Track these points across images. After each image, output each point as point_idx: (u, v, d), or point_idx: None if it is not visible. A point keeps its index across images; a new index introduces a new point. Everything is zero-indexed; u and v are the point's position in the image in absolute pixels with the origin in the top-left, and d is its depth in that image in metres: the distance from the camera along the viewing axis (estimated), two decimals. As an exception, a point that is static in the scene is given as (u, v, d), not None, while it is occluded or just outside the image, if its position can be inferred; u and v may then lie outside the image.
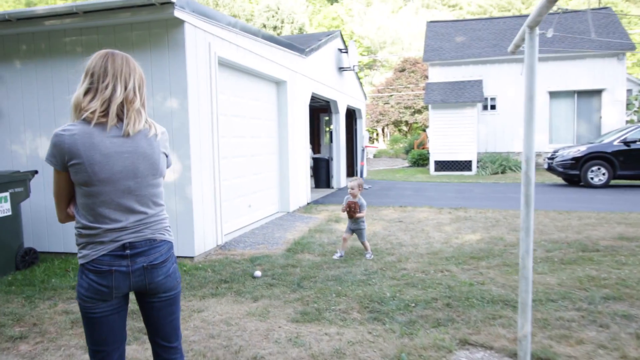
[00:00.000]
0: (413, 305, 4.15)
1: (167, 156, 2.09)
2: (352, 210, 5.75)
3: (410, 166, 24.37)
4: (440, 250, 6.13)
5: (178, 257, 5.72)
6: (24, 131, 6.08)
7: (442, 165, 19.36)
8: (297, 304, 4.23)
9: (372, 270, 5.29)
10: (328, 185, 13.92)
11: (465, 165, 19.10)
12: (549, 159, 14.06)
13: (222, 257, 5.87)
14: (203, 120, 5.91)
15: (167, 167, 2.13)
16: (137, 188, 1.95)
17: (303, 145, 10.17)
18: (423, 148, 26.17)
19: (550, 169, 13.83)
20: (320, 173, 13.96)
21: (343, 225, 7.91)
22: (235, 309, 4.13)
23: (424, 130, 35.22)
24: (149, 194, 1.99)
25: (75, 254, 6.22)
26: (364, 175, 14.44)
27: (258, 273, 5.07)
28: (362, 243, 5.92)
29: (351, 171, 17.42)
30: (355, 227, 5.87)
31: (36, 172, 5.71)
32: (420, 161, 23.82)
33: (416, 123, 42.51)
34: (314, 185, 13.87)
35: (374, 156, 31.47)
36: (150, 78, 5.61)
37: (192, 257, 5.70)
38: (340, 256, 5.81)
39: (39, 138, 6.02)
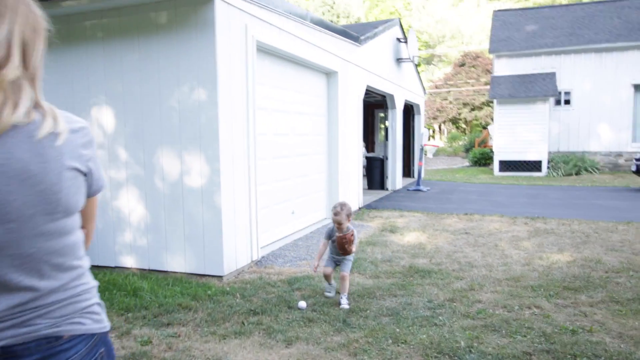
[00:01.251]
0: (498, 363, 3.07)
1: (85, 174, 1.14)
2: (348, 245, 4.15)
3: (470, 166, 22.73)
4: (522, 275, 4.95)
5: (205, 276, 4.89)
6: (42, 128, 5.45)
7: (507, 166, 17.74)
8: (342, 353, 3.25)
9: (438, 301, 4.22)
10: (382, 186, 12.83)
11: (534, 166, 17.38)
12: (638, 160, 12.28)
13: (256, 277, 4.98)
14: (237, 115, 5.04)
15: (93, 193, 1.19)
16: (13, 242, 1.01)
17: (356, 144, 9.16)
18: (485, 146, 24.41)
19: (639, 171, 12.09)
20: (374, 173, 12.89)
21: (400, 237, 6.84)
22: (261, 358, 3.20)
23: (485, 128, 33.22)
24: (41, 251, 1.05)
25: (95, 266, 5.58)
26: (422, 176, 13.20)
27: (303, 304, 4.10)
28: (343, 277, 4.22)
29: (408, 171, 16.21)
30: (342, 258, 4.33)
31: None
32: (483, 160, 22.14)
33: (476, 120, 40.41)
34: (366, 187, 12.83)
35: (433, 155, 29.83)
36: (177, 66, 4.80)
37: (220, 277, 4.85)
38: (331, 290, 4.38)
39: (58, 135, 5.36)
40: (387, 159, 12.76)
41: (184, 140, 4.82)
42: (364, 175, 12.52)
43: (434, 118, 41.69)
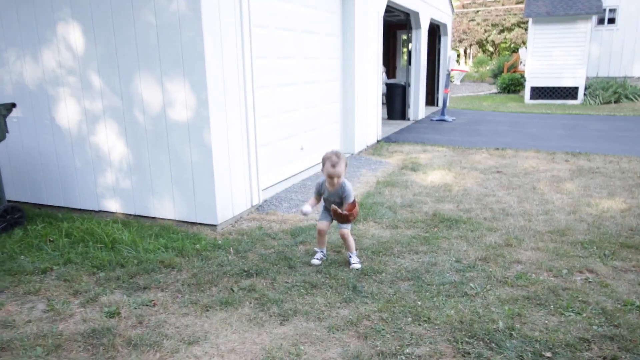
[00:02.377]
0: (549, 354, 2.39)
1: None
2: (350, 215, 3.36)
3: (499, 92, 21.32)
4: (568, 226, 4.19)
5: (196, 224, 4.25)
6: (5, 49, 4.65)
7: (540, 93, 16.41)
8: (349, 334, 2.60)
9: (468, 261, 3.52)
10: (403, 116, 11.87)
11: (569, 93, 16.04)
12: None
13: (256, 226, 4.32)
14: (227, 33, 4.14)
15: None
16: None
17: (375, 69, 8.15)
18: (515, 71, 22.77)
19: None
20: (395, 102, 11.89)
21: (422, 176, 6.07)
22: (248, 340, 2.57)
23: (515, 51, 31.08)
24: None
25: (77, 210, 5.00)
26: (447, 104, 12.14)
27: (308, 209, 3.40)
28: (343, 236, 3.47)
29: (431, 99, 15.09)
30: None
31: (14, 105, 4.32)
32: (512, 87, 20.72)
33: (504, 42, 38.02)
34: (385, 117, 11.89)
35: (460, 81, 28.07)
36: (151, -30, 3.87)
37: (214, 226, 4.20)
38: (322, 258, 3.56)
39: (23, 58, 4.57)
40: (409, 85, 11.69)
41: (165, 64, 3.99)
42: (383, 104, 11.55)
43: (460, 41, 39.32)
